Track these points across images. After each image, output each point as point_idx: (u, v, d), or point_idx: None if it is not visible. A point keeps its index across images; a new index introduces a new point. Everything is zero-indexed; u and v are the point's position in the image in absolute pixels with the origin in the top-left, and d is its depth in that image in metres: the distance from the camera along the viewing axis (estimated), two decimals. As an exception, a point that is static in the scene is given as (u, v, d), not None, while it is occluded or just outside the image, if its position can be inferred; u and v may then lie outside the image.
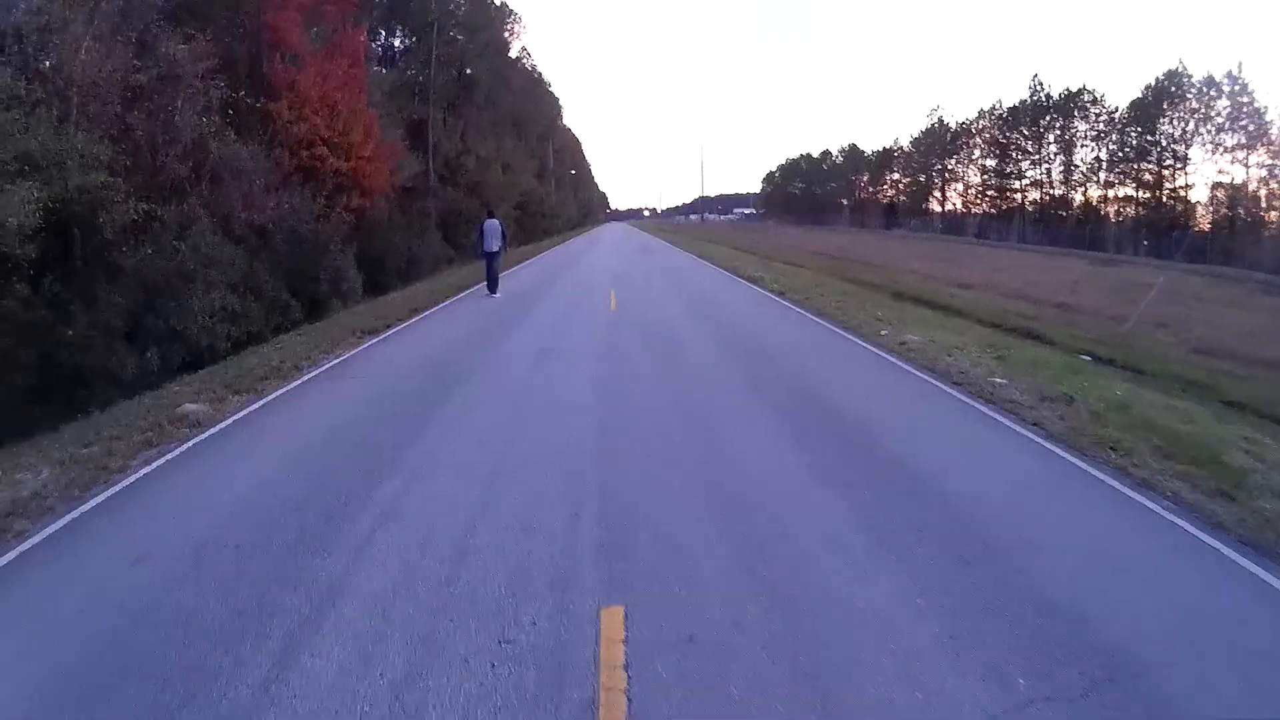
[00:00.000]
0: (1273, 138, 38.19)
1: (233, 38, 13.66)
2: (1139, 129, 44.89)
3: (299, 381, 7.12)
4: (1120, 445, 4.86)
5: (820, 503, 3.96)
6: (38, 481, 4.44)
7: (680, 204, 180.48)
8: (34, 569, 3.44)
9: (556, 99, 60.32)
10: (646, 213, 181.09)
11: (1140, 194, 45.94)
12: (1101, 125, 48.01)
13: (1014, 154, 54.05)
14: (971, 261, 27.52)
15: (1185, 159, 42.93)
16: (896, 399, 6.23)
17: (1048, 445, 4.95)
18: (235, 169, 11.70)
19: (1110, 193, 47.98)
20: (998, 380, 6.60)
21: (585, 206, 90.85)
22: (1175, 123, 43.02)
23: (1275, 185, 38.72)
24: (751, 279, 16.77)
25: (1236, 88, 39.68)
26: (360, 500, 4.03)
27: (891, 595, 2.99)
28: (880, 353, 8.11)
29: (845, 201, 78.93)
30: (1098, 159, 48.38)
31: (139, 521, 3.91)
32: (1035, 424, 5.40)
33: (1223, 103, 40.52)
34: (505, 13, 34.50)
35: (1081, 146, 49.36)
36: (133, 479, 4.52)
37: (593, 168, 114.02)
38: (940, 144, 62.03)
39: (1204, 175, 48.43)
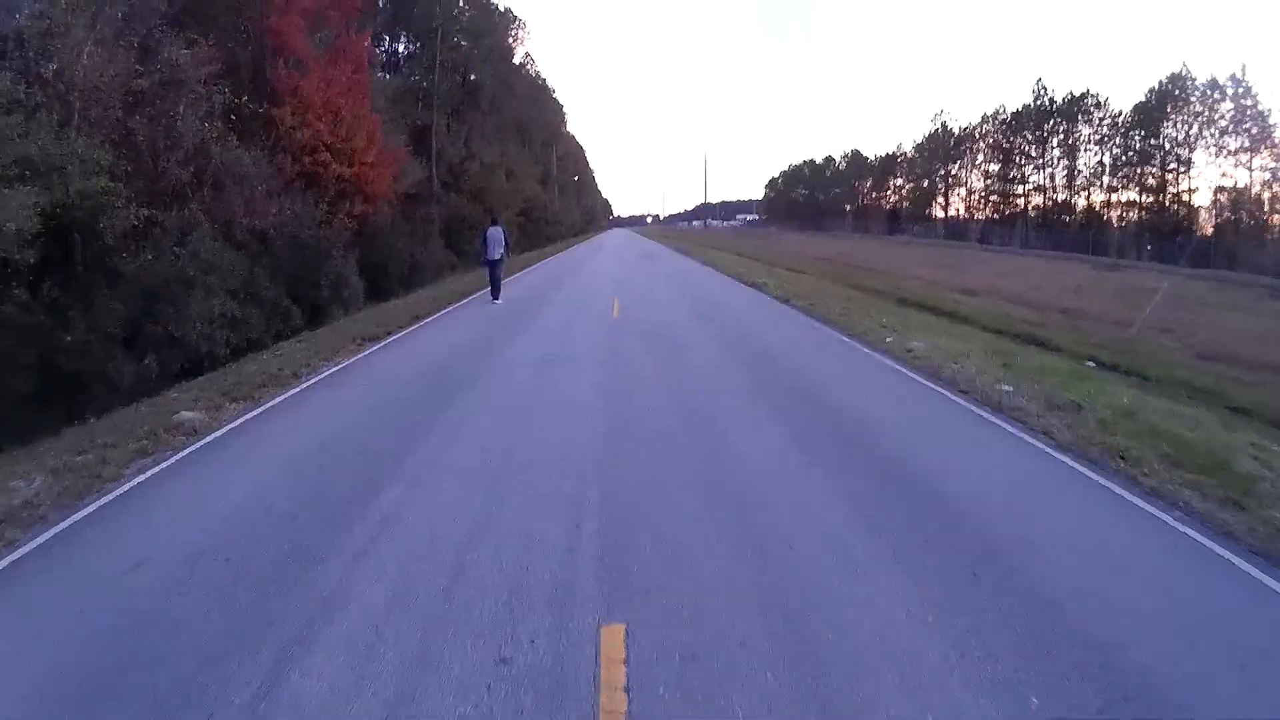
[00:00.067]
0: (1277, 140, 38.17)
1: (236, 43, 13.68)
2: (1142, 133, 44.83)
3: (298, 389, 7.06)
4: (1129, 453, 4.77)
5: (821, 503, 3.86)
6: (30, 489, 4.37)
7: (683, 210, 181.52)
8: (19, 582, 3.36)
9: (560, 105, 60.68)
10: (649, 219, 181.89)
11: (1143, 198, 45.82)
12: (1105, 129, 47.98)
13: (1017, 159, 54.02)
14: (975, 267, 27.46)
15: (1189, 163, 42.86)
16: (906, 407, 6.14)
17: (1058, 456, 4.86)
18: (237, 174, 11.69)
19: (1113, 197, 47.95)
20: (1004, 388, 6.51)
21: (588, 213, 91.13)
22: (1179, 126, 42.97)
23: (1279, 188, 38.62)
24: (755, 285, 16.67)
25: (1240, 90, 39.70)
26: (358, 509, 3.95)
27: (904, 604, 2.91)
28: (886, 360, 8.02)
29: (848, 207, 79.02)
30: (1101, 163, 48.40)
31: (132, 530, 3.84)
32: (1044, 432, 5.32)
33: (1226, 105, 40.51)
34: (509, 19, 34.72)
35: (1085, 151, 49.37)
36: (126, 488, 4.45)
37: (596, 175, 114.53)
38: (944, 149, 61.99)
39: (1207, 179, 48.52)
